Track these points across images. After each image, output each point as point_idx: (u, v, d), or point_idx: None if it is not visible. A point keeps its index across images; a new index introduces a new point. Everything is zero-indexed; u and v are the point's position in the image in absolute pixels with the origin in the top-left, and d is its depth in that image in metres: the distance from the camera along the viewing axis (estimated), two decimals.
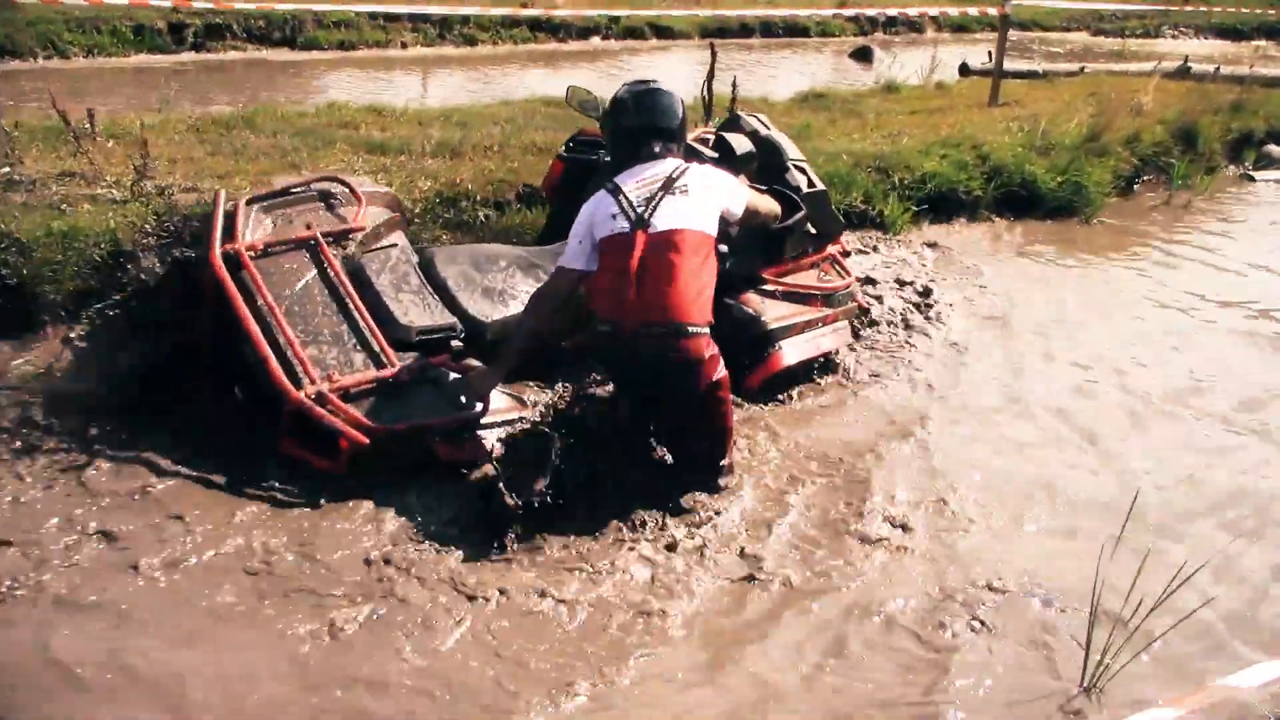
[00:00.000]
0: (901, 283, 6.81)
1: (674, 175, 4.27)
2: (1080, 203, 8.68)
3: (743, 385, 5.09)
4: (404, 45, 14.99)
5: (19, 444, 4.39)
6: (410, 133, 7.97)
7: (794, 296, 5.39)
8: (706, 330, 4.15)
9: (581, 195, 5.04)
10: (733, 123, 5.55)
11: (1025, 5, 21.90)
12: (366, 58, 14.48)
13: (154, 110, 8.57)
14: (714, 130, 5.57)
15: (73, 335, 5.15)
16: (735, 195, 4.46)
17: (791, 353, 5.27)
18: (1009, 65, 13.55)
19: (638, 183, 4.28)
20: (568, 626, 3.59)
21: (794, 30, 19.18)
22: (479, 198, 6.60)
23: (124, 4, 12.98)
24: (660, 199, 4.19)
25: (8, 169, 5.92)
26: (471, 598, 3.68)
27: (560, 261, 4.39)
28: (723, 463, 4.40)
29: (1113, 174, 9.22)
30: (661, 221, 4.14)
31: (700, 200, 4.24)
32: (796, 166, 5.39)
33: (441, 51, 15.26)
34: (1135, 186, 9.73)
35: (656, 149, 4.36)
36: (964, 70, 13.71)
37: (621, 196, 4.24)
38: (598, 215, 4.27)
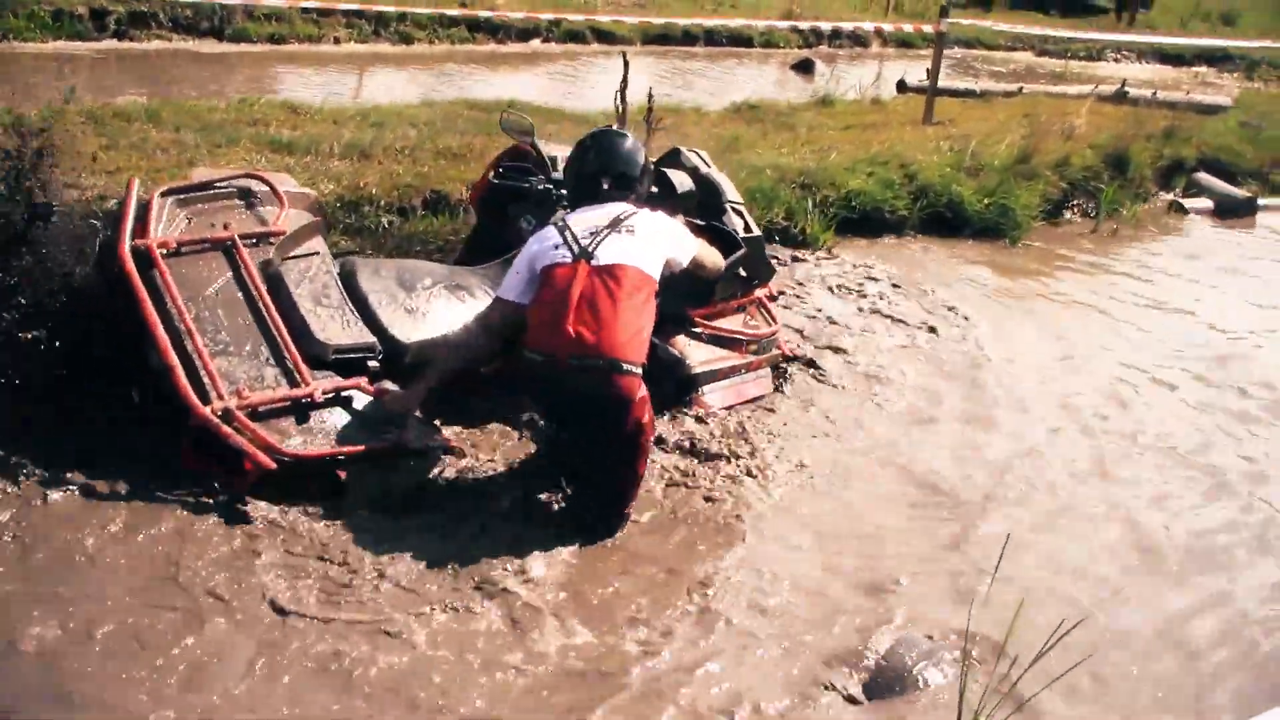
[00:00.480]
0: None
1: (622, 216, 4.23)
2: (1007, 225, 8.58)
3: None
4: (337, 41, 14.62)
5: None
6: (322, 131, 7.72)
7: (720, 340, 5.25)
8: (639, 371, 4.01)
9: (507, 216, 4.87)
10: (673, 157, 5.45)
11: (971, 25, 22.03)
12: (297, 52, 14.12)
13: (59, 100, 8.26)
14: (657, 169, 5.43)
15: None
16: (683, 245, 4.40)
17: (715, 398, 5.11)
18: (948, 84, 13.57)
19: (585, 220, 4.23)
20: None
21: (738, 40, 19.01)
22: (383, 203, 6.38)
23: None
24: (605, 235, 4.14)
25: None
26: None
27: (498, 292, 4.29)
28: (625, 510, 4.20)
29: (1041, 197, 9.13)
30: (604, 255, 4.08)
31: (646, 242, 4.19)
32: (734, 209, 5.33)
33: (376, 49, 14.92)
34: (1065, 211, 9.64)
35: (605, 186, 4.36)
36: (901, 87, 13.65)
37: (567, 232, 4.18)
38: (541, 248, 4.19)
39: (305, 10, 14.44)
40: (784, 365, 5.62)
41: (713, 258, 4.64)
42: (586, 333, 3.91)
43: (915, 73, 14.72)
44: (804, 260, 7.34)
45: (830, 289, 6.91)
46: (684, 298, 4.99)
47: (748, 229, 5.33)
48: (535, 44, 16.86)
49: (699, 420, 4.92)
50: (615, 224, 4.18)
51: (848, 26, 20.08)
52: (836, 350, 6.00)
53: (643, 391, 4.02)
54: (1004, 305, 7.18)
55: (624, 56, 6.97)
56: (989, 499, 4.68)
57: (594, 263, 4.05)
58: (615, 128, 4.65)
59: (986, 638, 3.50)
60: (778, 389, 5.43)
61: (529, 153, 5.17)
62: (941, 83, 12.74)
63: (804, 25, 19.52)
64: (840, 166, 8.43)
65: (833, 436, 5.11)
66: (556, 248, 4.14)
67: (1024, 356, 6.32)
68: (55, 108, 7.56)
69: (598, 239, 4.12)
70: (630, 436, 4.02)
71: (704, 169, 5.40)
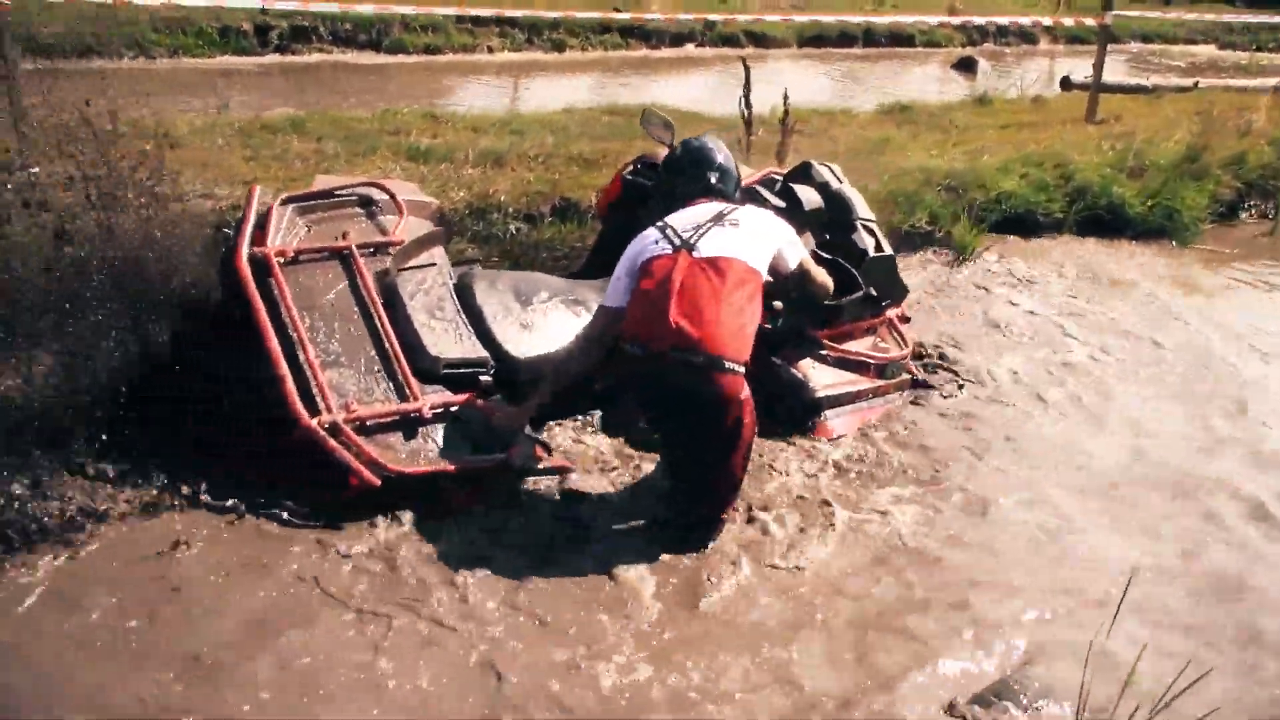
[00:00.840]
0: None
1: (725, 211, 4.11)
2: (1173, 228, 8.03)
3: None
4: (490, 50, 14.86)
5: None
6: (459, 139, 7.77)
7: (847, 364, 5.04)
8: (742, 370, 3.84)
9: (635, 219, 4.77)
10: (803, 172, 5.28)
11: (1148, 17, 21.03)
12: (452, 62, 14.37)
13: (214, 113, 8.54)
14: (780, 174, 5.28)
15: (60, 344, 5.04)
16: (792, 247, 4.26)
17: (838, 425, 4.87)
18: (1118, 79, 12.92)
19: (686, 218, 4.11)
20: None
21: (898, 39, 18.59)
22: (511, 210, 6.35)
23: (211, 6, 13.11)
24: (708, 228, 4.01)
25: (23, 170, 5.82)
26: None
27: (604, 301, 4.17)
28: (723, 514, 4.02)
29: (1211, 198, 8.53)
30: (707, 247, 3.94)
31: (751, 236, 4.05)
32: (865, 226, 5.15)
33: (530, 56, 15.09)
34: (1240, 213, 8.99)
35: (705, 188, 4.28)
36: (1065, 84, 13.03)
37: (668, 229, 4.06)
38: (640, 247, 4.09)
39: (460, 20, 14.67)
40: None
41: (821, 275, 4.46)
42: (688, 325, 3.74)
43: (1085, 69, 14.00)
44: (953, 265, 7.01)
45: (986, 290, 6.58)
46: (810, 317, 4.82)
47: (878, 247, 5.13)
48: (689, 48, 16.79)
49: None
50: (718, 218, 4.06)
51: (1015, 22, 19.32)
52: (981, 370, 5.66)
53: (745, 392, 3.84)
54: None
55: (744, 62, 6.81)
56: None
57: (696, 254, 3.92)
58: (709, 136, 4.49)
59: None
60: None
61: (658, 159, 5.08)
62: (1110, 79, 12.13)
63: (967, 22, 18.85)
64: (992, 168, 8.04)
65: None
66: (656, 243, 4.02)
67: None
68: (207, 120, 7.84)
69: (700, 232, 4.00)
70: (729, 436, 3.86)
71: (835, 184, 5.20)
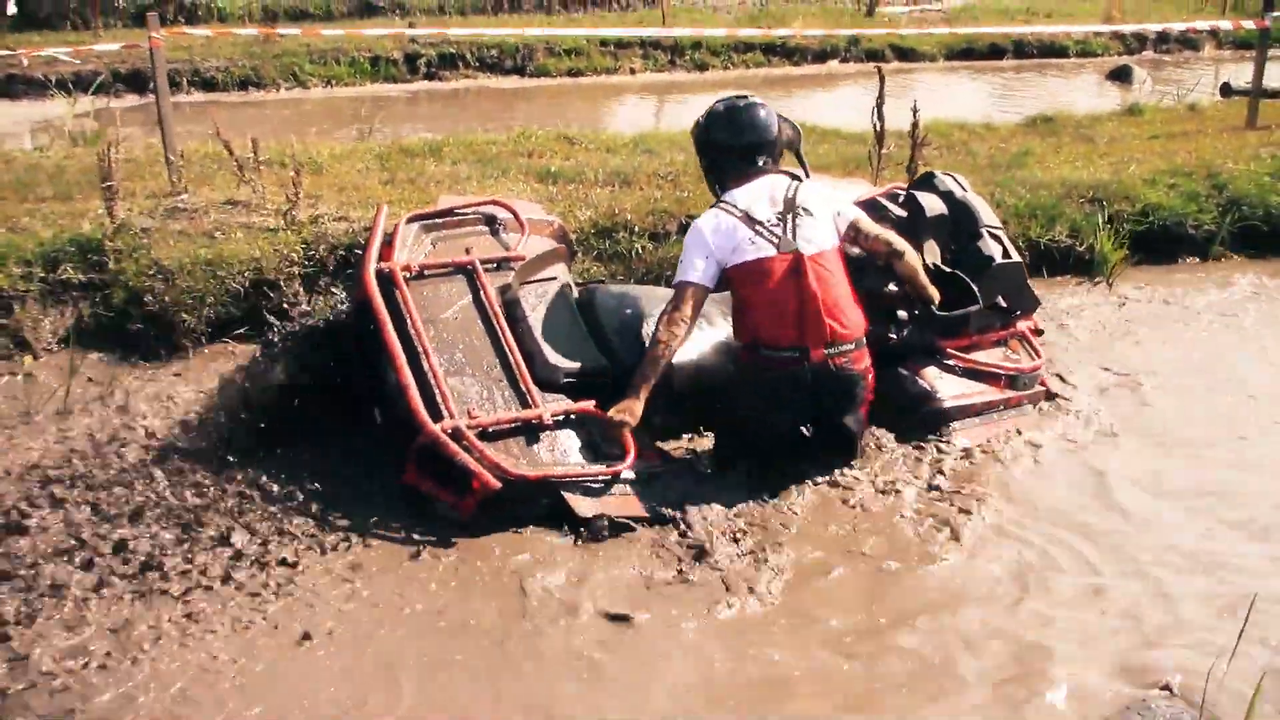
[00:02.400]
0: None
1: (790, 196, 4.30)
2: None
3: None
4: (633, 71, 15.00)
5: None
6: (590, 160, 7.87)
7: (975, 374, 4.91)
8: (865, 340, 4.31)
9: None
10: (927, 181, 5.22)
11: None
12: (595, 84, 14.57)
13: (356, 139, 8.85)
14: (903, 188, 5.21)
15: (215, 359, 5.29)
16: (845, 204, 4.49)
17: (964, 437, 4.76)
18: None
19: (758, 203, 4.28)
20: None
21: (1050, 50, 18.02)
22: (637, 228, 6.39)
23: (366, 36, 13.63)
24: (794, 222, 4.24)
25: (173, 197, 6.13)
26: None
27: (682, 278, 4.24)
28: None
29: None
30: (809, 245, 4.20)
31: (823, 217, 4.32)
32: (991, 234, 5.03)
33: (671, 77, 15.17)
34: None
35: (760, 163, 4.41)
36: (1225, 91, 12.46)
37: (756, 223, 4.23)
38: (728, 239, 4.22)
39: (603, 43, 14.87)
40: None
41: (889, 235, 4.50)
42: (838, 324, 4.15)
43: (1250, 75, 13.44)
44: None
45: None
46: (936, 327, 4.73)
47: (1006, 255, 5.00)
48: (832, 65, 16.65)
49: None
50: (791, 207, 4.26)
51: (1176, 28, 18.52)
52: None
53: (869, 359, 4.30)
54: None
55: (879, 71, 6.67)
56: None
57: (809, 254, 4.17)
58: (748, 101, 4.52)
59: None
60: None
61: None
62: (1277, 84, 11.57)
63: (1126, 29, 18.19)
64: (1138, 179, 7.72)
65: None
66: (753, 241, 4.20)
67: None
68: (348, 146, 8.12)
69: (790, 226, 4.22)
70: (864, 400, 4.31)
71: (959, 193, 5.09)
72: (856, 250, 4.47)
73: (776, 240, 4.19)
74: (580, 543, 3.93)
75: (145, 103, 11.05)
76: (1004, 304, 4.98)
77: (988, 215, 5.10)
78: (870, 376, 4.30)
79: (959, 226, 4.99)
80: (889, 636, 3.47)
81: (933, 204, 4.94)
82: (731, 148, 4.43)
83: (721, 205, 4.31)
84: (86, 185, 6.60)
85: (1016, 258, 5.08)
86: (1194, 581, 3.77)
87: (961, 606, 3.64)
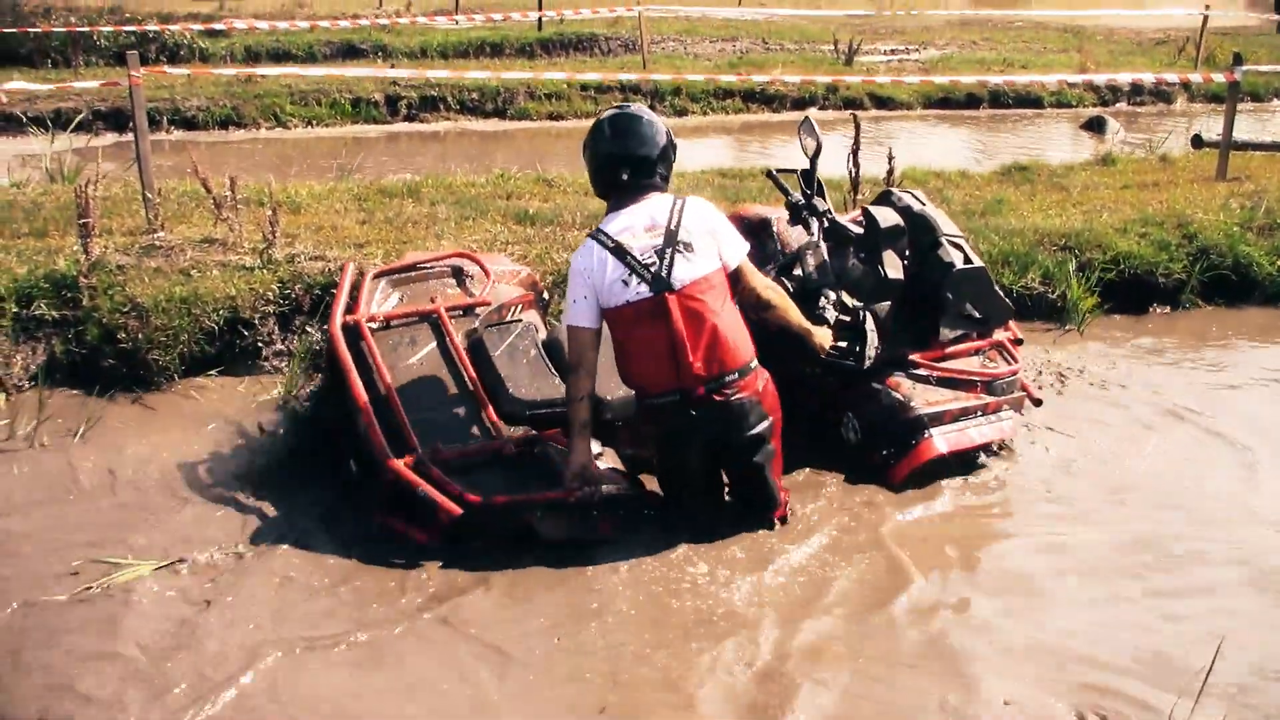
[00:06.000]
0: None
1: (672, 227, 4.05)
2: None
3: (888, 478, 4.77)
4: None
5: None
6: (568, 203, 7.91)
7: (949, 382, 4.95)
8: (756, 363, 4.13)
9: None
10: (884, 198, 5.23)
11: None
12: (575, 128, 14.60)
13: (335, 179, 8.86)
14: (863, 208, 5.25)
15: (188, 396, 5.28)
16: (731, 243, 4.18)
17: (942, 442, 4.79)
18: (1252, 138, 12.46)
19: (633, 235, 4.05)
20: None
21: (1025, 100, 18.20)
22: None
23: (347, 76, 13.70)
24: (670, 256, 4.01)
25: (150, 235, 6.13)
26: None
27: (569, 322, 4.14)
28: (781, 510, 4.34)
29: None
30: (681, 277, 4.00)
31: (705, 245, 4.08)
32: (951, 242, 4.98)
33: None
34: None
35: (630, 178, 4.09)
36: (1197, 142, 12.59)
37: (628, 257, 4.01)
38: (599, 276, 4.04)
39: (584, 87, 14.97)
40: None
41: (765, 288, 4.27)
42: (711, 364, 3.98)
43: (1219, 127, 13.63)
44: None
45: None
46: (906, 340, 4.81)
47: (967, 260, 4.93)
48: (811, 112, 16.72)
49: None
50: (671, 240, 4.01)
51: (1149, 80, 18.78)
52: None
53: (764, 377, 4.13)
54: None
55: (854, 118, 6.74)
56: None
57: (680, 290, 3.97)
58: (632, 110, 4.22)
59: None
60: None
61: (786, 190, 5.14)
62: (1246, 137, 11.74)
63: (1099, 80, 18.42)
64: (1110, 227, 7.82)
65: None
66: (626, 282, 3.99)
67: None
68: (326, 186, 8.13)
69: (664, 263, 3.98)
70: (766, 430, 4.13)
71: (917, 206, 5.05)
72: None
73: (649, 278, 3.97)
74: None
75: (124, 140, 11.06)
76: (975, 313, 4.96)
77: (946, 225, 5.05)
78: (769, 395, 4.14)
79: (917, 237, 4.95)
80: None
81: (886, 215, 4.88)
82: (606, 156, 4.10)
83: (595, 235, 4.11)
84: (63, 222, 6.60)
85: (979, 263, 5.03)
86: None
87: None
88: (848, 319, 4.67)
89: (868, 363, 4.65)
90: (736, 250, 4.18)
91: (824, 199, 4.97)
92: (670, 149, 4.18)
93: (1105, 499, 4.80)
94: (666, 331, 3.97)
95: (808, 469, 4.84)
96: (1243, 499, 4.84)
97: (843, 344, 4.65)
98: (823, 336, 4.48)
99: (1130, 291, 7.41)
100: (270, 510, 4.37)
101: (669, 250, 4.01)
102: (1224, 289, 7.61)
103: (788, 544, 4.24)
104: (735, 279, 4.17)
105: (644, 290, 3.98)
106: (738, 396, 4.04)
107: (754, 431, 4.10)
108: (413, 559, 4.06)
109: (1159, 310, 7.48)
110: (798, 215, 4.93)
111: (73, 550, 4.03)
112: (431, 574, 3.99)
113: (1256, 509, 4.73)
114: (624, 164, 4.08)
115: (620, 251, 4.02)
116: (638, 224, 4.07)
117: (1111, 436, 5.40)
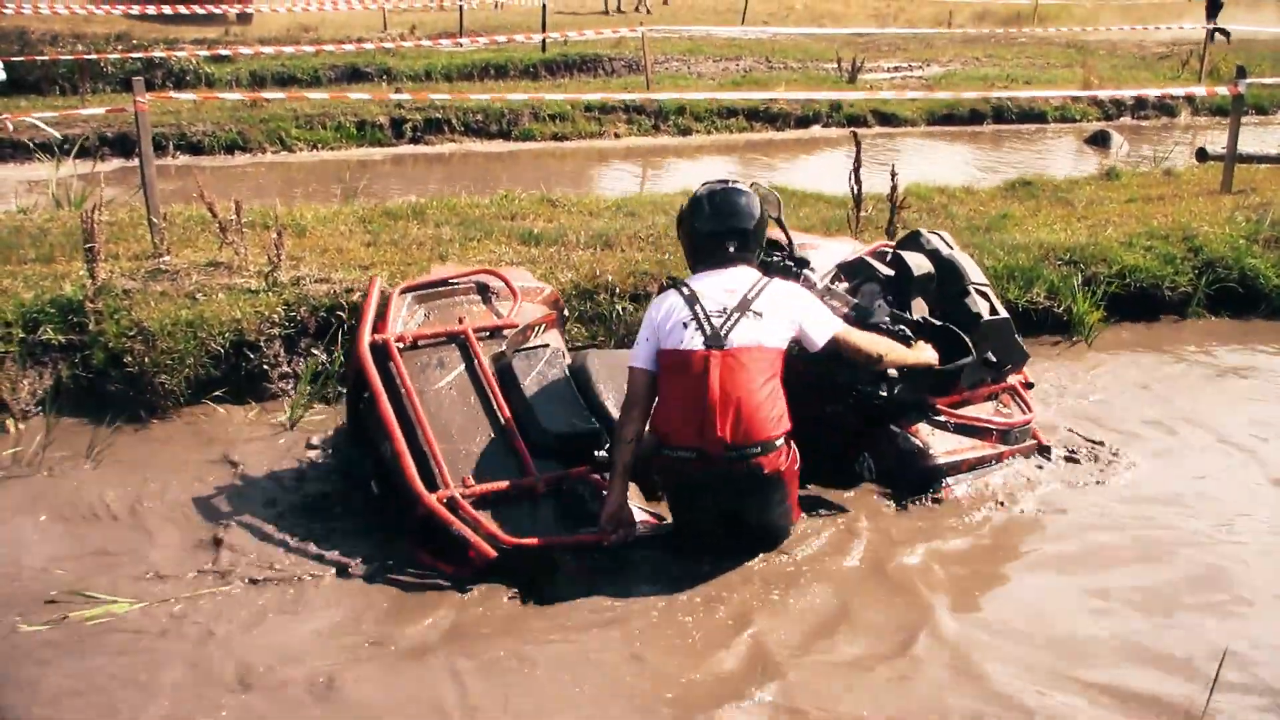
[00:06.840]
0: None
1: (750, 295, 4.14)
2: None
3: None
4: (617, 135, 15.12)
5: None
6: (572, 223, 7.92)
7: (967, 430, 4.96)
8: (784, 440, 4.06)
9: None
10: (913, 240, 5.28)
11: None
12: (579, 148, 14.69)
13: (339, 201, 8.89)
14: (892, 246, 5.25)
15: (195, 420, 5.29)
16: (819, 325, 4.23)
17: (962, 490, 4.83)
18: (1257, 150, 12.48)
19: (713, 292, 4.15)
20: None
21: (1029, 116, 18.21)
22: (618, 290, 6.42)
23: (351, 100, 13.76)
24: (736, 319, 4.08)
25: (155, 259, 6.15)
26: None
27: (632, 362, 4.23)
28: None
29: None
30: (737, 339, 4.05)
31: (774, 321, 4.13)
32: (979, 291, 5.04)
33: (656, 142, 15.29)
34: None
35: (730, 249, 4.23)
36: (1201, 156, 12.64)
37: (697, 306, 4.11)
38: (669, 319, 4.14)
39: (588, 108, 15.03)
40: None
41: (866, 342, 4.33)
42: (736, 431, 3.95)
43: (1224, 140, 13.63)
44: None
45: None
46: (927, 385, 4.75)
47: (994, 311, 5.01)
48: (815, 129, 16.80)
49: None
50: (744, 306, 4.09)
51: (1153, 94, 18.80)
52: None
53: (787, 457, 4.07)
54: None
55: (855, 136, 6.75)
56: None
57: (725, 347, 4.01)
58: (733, 183, 4.36)
59: None
60: None
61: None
62: (1251, 149, 11.74)
63: (1103, 95, 18.43)
64: (1115, 241, 7.81)
65: None
66: (685, 325, 4.07)
67: None
68: (332, 209, 8.16)
69: (728, 322, 4.05)
70: (783, 500, 4.14)
71: (945, 251, 5.13)
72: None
73: (707, 334, 4.04)
74: None
75: (130, 166, 11.12)
76: (994, 359, 4.98)
77: (974, 272, 5.11)
78: (791, 479, 4.14)
79: (945, 284, 5.00)
80: None
81: (919, 262, 4.96)
82: (703, 233, 4.26)
83: (675, 283, 4.26)
84: (69, 247, 6.61)
85: (1004, 314, 5.08)
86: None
87: None
88: (921, 334, 4.67)
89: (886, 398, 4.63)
90: (825, 327, 4.22)
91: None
92: (764, 224, 4.34)
93: (1112, 506, 4.83)
94: (702, 388, 3.98)
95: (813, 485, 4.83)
96: (1252, 507, 4.84)
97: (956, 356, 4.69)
98: (931, 355, 4.55)
99: (1137, 305, 7.40)
100: (285, 536, 4.34)
101: (737, 313, 4.08)
102: (1230, 301, 7.60)
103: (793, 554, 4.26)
104: (839, 345, 4.23)
105: (697, 342, 4.04)
106: (755, 467, 4.00)
107: (767, 503, 4.12)
108: (432, 595, 4.01)
109: (1166, 320, 7.46)
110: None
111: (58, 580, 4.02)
112: (449, 610, 3.96)
113: (1266, 517, 4.74)
114: (729, 237, 4.22)
115: (692, 299, 4.13)
116: (719, 284, 4.17)
117: (1119, 444, 5.40)
